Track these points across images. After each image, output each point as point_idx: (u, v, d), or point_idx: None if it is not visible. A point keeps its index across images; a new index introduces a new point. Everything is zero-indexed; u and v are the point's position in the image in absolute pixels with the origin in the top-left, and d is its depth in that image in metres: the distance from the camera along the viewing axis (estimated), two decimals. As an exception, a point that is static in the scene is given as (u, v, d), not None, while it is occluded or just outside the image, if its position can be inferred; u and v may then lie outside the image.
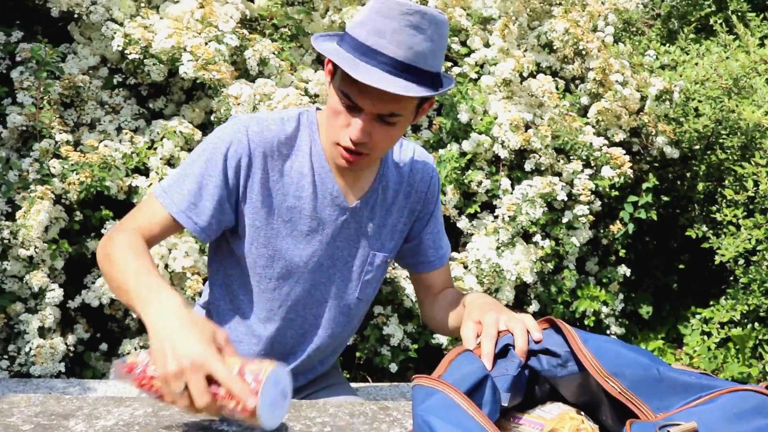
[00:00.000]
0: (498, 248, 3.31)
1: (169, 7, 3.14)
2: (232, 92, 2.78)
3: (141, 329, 3.09)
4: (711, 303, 3.75)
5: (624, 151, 3.42)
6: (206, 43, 2.90)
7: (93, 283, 2.97)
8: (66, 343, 2.86)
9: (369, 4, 1.38)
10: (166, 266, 2.83)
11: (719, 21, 3.83)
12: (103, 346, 3.04)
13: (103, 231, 2.96)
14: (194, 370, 1.08)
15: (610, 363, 1.11)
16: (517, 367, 1.19)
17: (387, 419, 1.43)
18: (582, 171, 3.39)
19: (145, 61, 2.97)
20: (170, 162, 3.05)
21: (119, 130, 3.10)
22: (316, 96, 3.16)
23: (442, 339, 3.31)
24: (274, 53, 3.08)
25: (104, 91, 3.19)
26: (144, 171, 3.04)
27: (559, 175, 3.48)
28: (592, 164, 3.48)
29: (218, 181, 1.50)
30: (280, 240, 1.58)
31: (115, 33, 3.04)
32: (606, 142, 3.43)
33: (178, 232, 1.63)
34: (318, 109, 1.64)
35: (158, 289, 1.23)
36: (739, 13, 4.06)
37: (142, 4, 3.25)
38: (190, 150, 3.11)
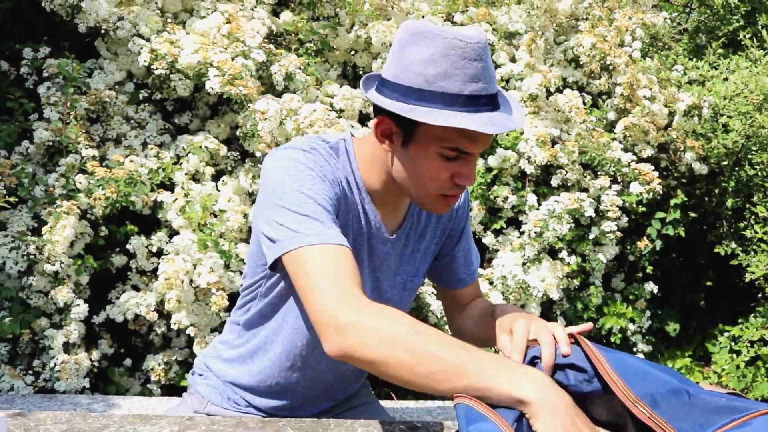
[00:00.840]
0: (524, 264, 3.29)
1: (196, 23, 3.15)
2: (258, 107, 2.78)
3: (165, 345, 3.09)
4: (740, 321, 3.70)
5: (652, 167, 3.38)
6: (233, 59, 2.90)
7: (117, 298, 2.97)
8: (90, 359, 2.85)
9: (431, 49, 1.29)
10: (191, 281, 2.82)
11: (748, 36, 3.79)
12: (127, 362, 3.03)
13: (128, 246, 2.96)
14: None
15: (638, 385, 1.09)
16: None
17: None
18: (610, 187, 3.35)
19: (171, 76, 2.97)
20: (195, 177, 3.04)
21: (145, 145, 3.10)
22: (341, 111, 3.15)
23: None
24: (299, 68, 3.08)
25: (130, 107, 3.20)
26: (169, 186, 3.03)
27: (586, 190, 3.45)
28: (619, 180, 3.44)
29: (332, 209, 1.39)
30: None
31: (141, 48, 3.04)
32: (634, 157, 3.40)
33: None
34: (352, 135, 1.57)
35: (505, 361, 1.16)
36: (768, 28, 4.02)
37: (169, 20, 3.26)
38: (215, 165, 3.11)
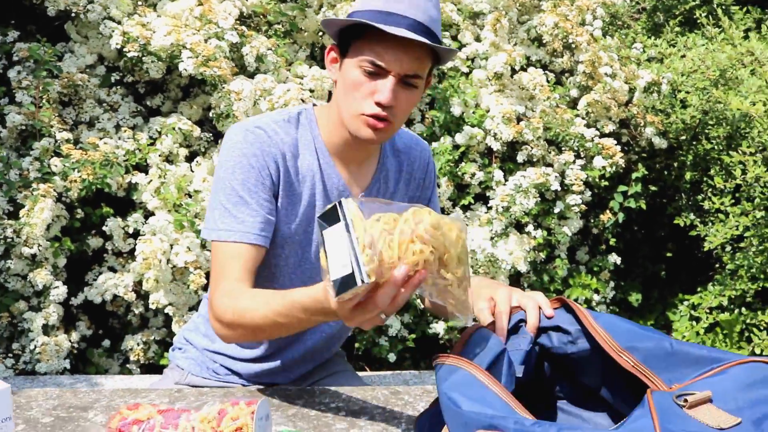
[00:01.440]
0: (492, 239, 3.37)
1: (167, 5, 3.17)
2: (233, 88, 2.81)
3: (143, 325, 3.13)
4: (699, 290, 3.83)
5: (615, 142, 3.49)
6: (206, 40, 2.93)
7: (95, 280, 3.00)
8: (70, 340, 2.89)
9: None
10: (168, 261, 2.86)
11: (704, 14, 3.90)
12: (106, 343, 3.07)
13: (104, 228, 2.99)
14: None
15: (622, 338, 1.13)
16: (528, 342, 1.23)
17: (399, 403, 1.48)
18: (574, 162, 3.45)
19: (143, 58, 2.99)
20: (168, 158, 3.07)
21: (118, 127, 3.12)
22: (312, 91, 3.19)
23: (438, 328, 3.37)
24: (270, 49, 3.11)
25: (102, 90, 3.21)
26: (143, 168, 3.06)
27: (551, 166, 3.54)
28: (582, 155, 3.54)
29: (264, 194, 1.52)
30: (298, 236, 1.60)
31: (113, 31, 3.06)
32: (597, 133, 3.50)
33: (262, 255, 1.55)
34: (314, 104, 1.66)
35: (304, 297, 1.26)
36: (724, 6, 4.14)
37: (140, 3, 3.27)
38: (189, 146, 3.15)
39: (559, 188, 3.37)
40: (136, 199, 3.03)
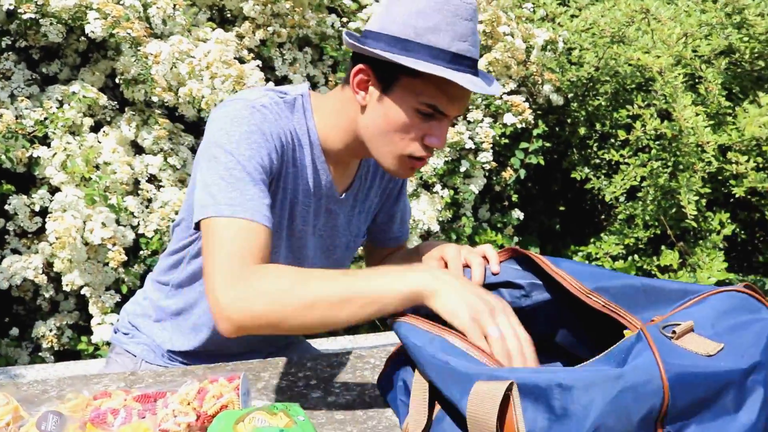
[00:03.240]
0: (405, 199, 3.38)
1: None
2: (150, 50, 2.64)
3: (53, 310, 2.91)
4: (592, 240, 4.01)
5: (523, 99, 3.57)
6: (118, 1, 2.72)
7: (-2, 263, 2.77)
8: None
9: (423, 2, 1.29)
10: (84, 240, 2.67)
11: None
12: (14, 331, 2.84)
13: (6, 207, 2.74)
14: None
15: (588, 280, 1.10)
16: None
17: (367, 366, 1.45)
18: (482, 120, 3.50)
19: (40, 21, 2.74)
20: (71, 130, 2.86)
21: (13, 97, 2.86)
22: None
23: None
24: (176, 10, 2.94)
25: (-11, 56, 2.93)
26: (42, 140, 2.82)
27: (455, 125, 3.58)
28: (483, 114, 3.60)
29: (266, 177, 1.35)
30: (283, 231, 1.49)
31: (2, -9, 2.79)
32: (505, 90, 3.57)
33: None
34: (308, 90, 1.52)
35: (394, 267, 1.16)
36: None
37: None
38: (92, 115, 2.94)
39: (473, 146, 3.41)
40: (38, 174, 2.80)
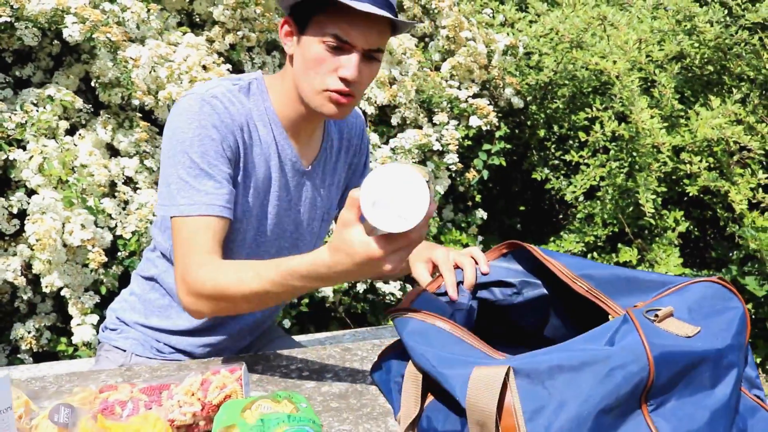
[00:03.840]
0: (374, 201, 3.46)
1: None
2: (130, 54, 2.68)
3: (31, 312, 2.93)
4: (552, 239, 4.14)
5: (488, 102, 3.69)
6: (96, 6, 2.75)
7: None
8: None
9: None
10: (63, 241, 2.70)
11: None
12: (-8, 332, 2.86)
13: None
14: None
15: (575, 267, 1.19)
16: (468, 300, 1.30)
17: (355, 358, 1.53)
18: (448, 122, 3.61)
19: (15, 24, 2.76)
20: (46, 134, 2.87)
21: (-13, 101, 2.87)
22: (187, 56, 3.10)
23: (327, 291, 3.42)
24: (149, 14, 2.98)
25: (-39, 60, 2.93)
26: (17, 143, 2.84)
27: (421, 128, 3.68)
28: (449, 117, 3.71)
29: (225, 167, 1.46)
30: (255, 210, 1.57)
31: (-25, -4, 2.80)
32: (470, 94, 3.68)
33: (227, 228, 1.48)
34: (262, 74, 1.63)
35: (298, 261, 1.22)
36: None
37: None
38: (68, 118, 2.96)
39: (440, 148, 3.52)
40: (14, 177, 2.81)
